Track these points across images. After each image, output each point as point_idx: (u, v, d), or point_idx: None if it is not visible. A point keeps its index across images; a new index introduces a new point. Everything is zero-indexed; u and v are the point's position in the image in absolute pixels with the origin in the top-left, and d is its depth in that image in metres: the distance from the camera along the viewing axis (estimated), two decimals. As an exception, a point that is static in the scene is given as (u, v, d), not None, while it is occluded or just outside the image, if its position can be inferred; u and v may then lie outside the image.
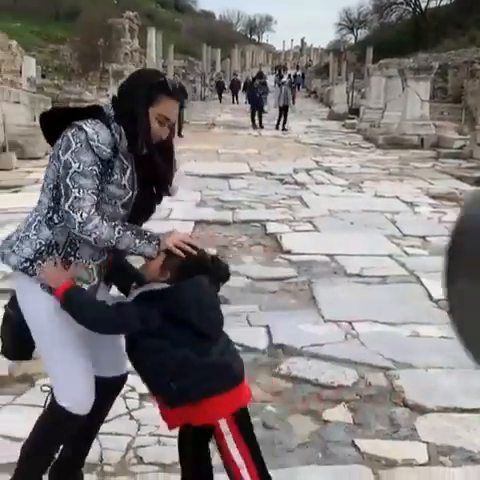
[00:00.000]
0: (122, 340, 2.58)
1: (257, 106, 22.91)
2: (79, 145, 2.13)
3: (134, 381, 3.64)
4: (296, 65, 75.86)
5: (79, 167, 2.11)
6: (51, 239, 2.23)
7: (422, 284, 5.57)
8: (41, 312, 2.25)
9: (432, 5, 52.60)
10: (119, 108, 2.24)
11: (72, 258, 2.25)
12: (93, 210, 2.14)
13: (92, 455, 2.85)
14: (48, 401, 2.43)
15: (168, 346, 2.19)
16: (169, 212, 8.20)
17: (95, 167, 2.14)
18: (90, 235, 2.14)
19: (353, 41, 65.74)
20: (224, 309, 5.13)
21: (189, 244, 2.28)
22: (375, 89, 21.92)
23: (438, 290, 5.34)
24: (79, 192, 2.12)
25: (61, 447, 2.63)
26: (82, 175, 2.12)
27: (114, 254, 2.32)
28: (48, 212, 2.23)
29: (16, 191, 10.34)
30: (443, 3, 52.54)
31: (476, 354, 0.69)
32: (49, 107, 17.59)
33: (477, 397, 3.53)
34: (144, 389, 3.60)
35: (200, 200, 9.35)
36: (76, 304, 2.20)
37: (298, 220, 8.12)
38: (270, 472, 2.90)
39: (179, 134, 18.06)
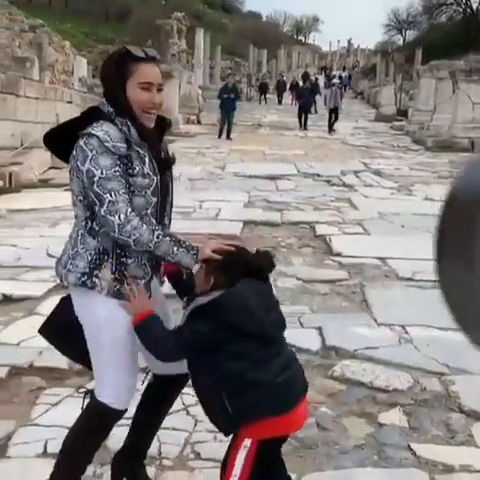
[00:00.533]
0: None
1: (304, 107, 22.84)
2: (94, 152, 2.14)
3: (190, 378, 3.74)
4: (343, 66, 75.34)
5: (102, 173, 2.14)
6: (99, 247, 2.26)
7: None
8: (97, 313, 2.30)
9: (484, 5, 51.53)
10: (111, 101, 2.24)
11: (124, 259, 2.27)
12: (130, 209, 2.17)
13: (151, 449, 2.92)
14: (85, 403, 2.50)
15: (224, 360, 2.16)
16: (217, 212, 8.28)
17: (116, 168, 2.16)
18: (130, 237, 2.16)
19: (401, 42, 64.89)
20: (276, 309, 5.16)
21: (226, 245, 2.28)
22: (424, 91, 21.64)
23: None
24: (111, 196, 2.14)
25: (124, 439, 2.71)
26: (107, 179, 2.14)
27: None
28: (87, 223, 2.26)
29: (68, 189, 10.56)
30: (495, 3, 51.38)
31: (470, 335, 0.67)
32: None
33: None
34: (199, 386, 3.69)
35: (248, 201, 9.40)
36: (152, 334, 2.25)
37: (347, 222, 8.09)
38: (325, 473, 2.93)
39: (228, 137, 18.14)
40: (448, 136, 16.96)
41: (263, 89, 36.99)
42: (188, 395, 3.57)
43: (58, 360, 3.93)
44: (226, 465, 2.33)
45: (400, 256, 6.41)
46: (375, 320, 4.68)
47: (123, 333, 2.32)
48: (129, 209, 2.16)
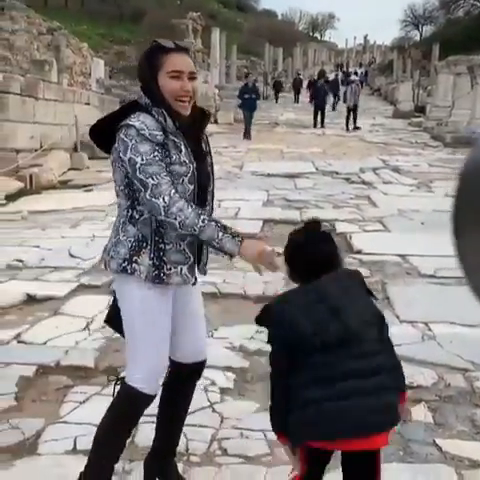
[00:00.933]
0: (204, 328, 2.71)
1: (320, 106, 22.75)
2: (134, 141, 2.23)
3: (214, 375, 3.79)
4: (359, 63, 75.00)
5: (143, 159, 2.22)
6: (138, 234, 2.35)
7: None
8: (133, 298, 2.38)
9: (502, -1, 51.09)
10: (147, 93, 2.34)
11: (162, 245, 2.34)
12: (173, 190, 2.23)
13: (178, 446, 2.96)
14: (116, 391, 2.55)
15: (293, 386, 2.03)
16: (237, 211, 8.31)
17: (155, 153, 2.24)
18: (175, 218, 2.21)
19: (418, 38, 64.49)
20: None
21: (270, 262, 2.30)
22: (442, 87, 21.50)
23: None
24: (154, 179, 2.22)
25: (153, 437, 2.75)
26: (148, 165, 2.22)
27: None
28: (128, 211, 2.36)
29: (88, 190, 10.66)
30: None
31: None
32: (117, 108, 18.03)
33: None
34: (224, 383, 3.73)
35: (267, 199, 9.42)
36: None
37: (367, 220, 8.08)
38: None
39: (248, 136, 18.12)
40: (467, 132, 16.83)
41: (277, 88, 36.84)
42: (214, 392, 3.63)
43: (84, 359, 4.02)
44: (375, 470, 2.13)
45: (421, 253, 6.39)
46: (398, 317, 4.68)
47: (156, 319, 2.40)
48: (173, 190, 2.23)
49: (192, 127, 2.40)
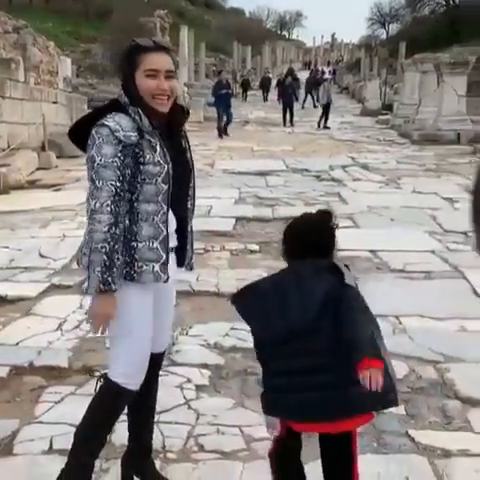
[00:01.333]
0: (171, 321, 2.74)
1: (288, 104, 22.75)
2: (101, 139, 2.25)
3: (189, 372, 3.81)
4: (327, 61, 75.50)
5: (101, 160, 2.24)
6: None
7: (466, 279, 5.58)
8: (121, 296, 2.36)
9: (466, -3, 51.83)
10: (126, 91, 2.35)
11: (133, 243, 2.34)
12: (109, 202, 2.23)
13: (155, 443, 2.96)
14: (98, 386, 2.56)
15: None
16: (209, 209, 8.32)
17: (116, 159, 2.25)
18: (93, 224, 2.24)
19: (385, 36, 65.18)
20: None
21: None
22: (409, 84, 21.78)
23: (483, 285, 5.37)
24: (99, 183, 2.24)
25: (128, 437, 2.75)
26: (103, 167, 2.24)
27: None
28: None
29: (57, 190, 10.56)
30: (477, -5, 51.66)
31: None
32: (85, 106, 17.90)
33: None
34: (200, 380, 3.75)
35: (239, 197, 9.44)
36: None
37: (337, 216, 8.10)
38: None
39: (225, 133, 18.09)
40: (434, 129, 17.07)
41: (245, 86, 36.60)
42: (189, 390, 3.65)
43: (58, 359, 4.00)
44: (350, 453, 2.29)
45: (391, 248, 6.49)
46: (369, 312, 4.74)
47: (137, 315, 2.41)
48: (109, 201, 2.23)
49: (170, 125, 2.41)
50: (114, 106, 2.35)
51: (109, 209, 2.23)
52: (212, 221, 7.60)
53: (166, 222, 2.38)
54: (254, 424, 3.29)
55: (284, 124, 22.19)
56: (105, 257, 2.23)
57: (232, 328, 4.48)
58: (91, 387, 3.58)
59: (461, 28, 42.99)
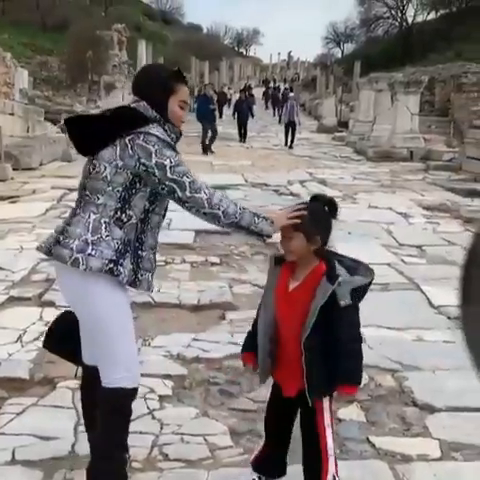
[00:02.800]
0: None
1: (242, 120, 22.05)
2: (156, 146, 2.35)
3: (152, 383, 3.81)
4: (284, 78, 76.45)
5: (171, 161, 2.35)
6: (124, 237, 2.40)
7: (422, 291, 5.73)
8: (108, 298, 2.40)
9: (419, 19, 53.49)
10: (157, 108, 2.47)
11: (140, 252, 2.44)
12: (206, 184, 2.40)
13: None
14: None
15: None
16: (169, 222, 8.32)
17: (178, 156, 2.40)
18: (219, 208, 2.38)
19: (340, 55, 66.45)
20: (233, 315, 5.26)
21: (296, 210, 2.45)
22: (364, 102, 22.23)
23: (438, 297, 5.54)
24: (188, 177, 2.36)
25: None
26: (177, 166, 2.36)
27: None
28: (115, 213, 2.39)
29: (13, 201, 10.40)
30: (430, 17, 53.40)
31: None
32: (42, 118, 17.71)
33: (484, 397, 3.69)
34: (163, 391, 3.76)
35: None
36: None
37: (296, 230, 8.26)
38: (290, 466, 3.04)
39: (209, 150, 17.90)
40: (388, 146, 17.48)
41: (220, 100, 36.47)
42: (152, 400, 3.65)
43: (19, 371, 3.94)
44: (316, 425, 2.51)
45: (349, 261, 6.60)
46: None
47: (128, 317, 2.50)
48: (206, 184, 2.40)
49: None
50: (138, 118, 2.42)
51: (212, 190, 2.40)
52: (172, 234, 7.60)
53: (158, 234, 2.55)
54: (218, 433, 3.32)
55: (240, 140, 22.04)
56: (247, 209, 2.44)
57: (194, 339, 4.50)
58: (53, 398, 3.59)
59: (413, 48, 44.19)
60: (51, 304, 5.08)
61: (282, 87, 55.65)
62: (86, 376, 2.72)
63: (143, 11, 65.88)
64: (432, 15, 53.56)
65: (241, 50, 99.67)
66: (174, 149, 2.41)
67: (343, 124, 27.53)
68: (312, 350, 2.41)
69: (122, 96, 21.05)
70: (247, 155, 17.77)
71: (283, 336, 2.51)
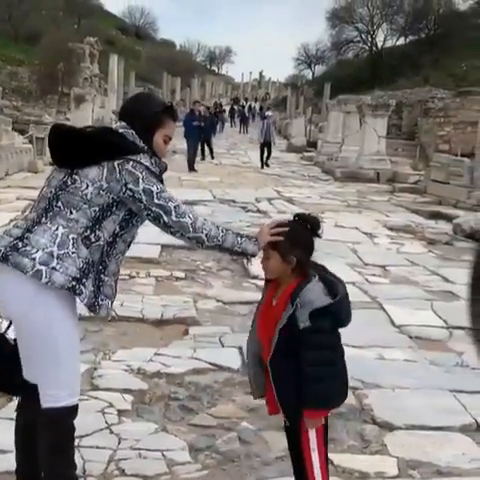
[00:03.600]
0: None
1: (205, 137, 20.61)
2: (144, 173, 2.39)
3: (112, 397, 3.76)
4: (255, 97, 77.09)
5: (157, 188, 2.39)
6: (89, 258, 2.35)
7: (384, 310, 5.79)
8: (64, 317, 2.36)
9: (388, 44, 54.52)
10: (143, 138, 2.50)
11: (102, 276, 2.40)
12: (191, 211, 2.45)
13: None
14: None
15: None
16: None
17: (163, 184, 2.46)
18: (202, 231, 2.41)
19: (310, 76, 67.26)
20: (197, 330, 5.24)
21: (278, 226, 2.46)
22: (333, 124, 22.54)
23: (399, 316, 5.61)
24: (173, 201, 2.41)
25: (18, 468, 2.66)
26: (163, 191, 2.39)
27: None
28: (85, 231, 2.35)
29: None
30: (399, 42, 54.48)
31: None
32: (9, 128, 17.50)
33: (442, 416, 3.73)
34: (122, 405, 3.71)
35: (165, 225, 9.43)
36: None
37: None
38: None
39: (193, 168, 17.80)
40: (355, 167, 17.72)
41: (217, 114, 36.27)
42: (111, 415, 3.60)
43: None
44: (299, 447, 2.46)
45: (314, 279, 6.64)
46: (292, 339, 4.84)
47: (75, 335, 2.47)
48: (189, 209, 2.45)
49: None
50: (129, 145, 2.45)
51: (195, 214, 2.45)
52: (138, 248, 7.50)
53: (121, 263, 2.53)
54: (176, 448, 3.29)
55: (201, 158, 20.36)
56: (229, 231, 2.48)
57: (156, 353, 4.46)
58: (9, 411, 3.50)
59: (382, 72, 45.01)
60: None
61: (255, 106, 56.26)
62: (27, 394, 2.57)
63: (116, 25, 65.88)
64: (401, 41, 54.66)
65: (213, 68, 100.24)
66: (161, 181, 2.46)
67: (312, 144, 27.83)
68: (278, 370, 2.40)
69: (92, 109, 20.90)
70: (216, 172, 17.82)
71: (263, 353, 2.50)
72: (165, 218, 2.37)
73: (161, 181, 2.46)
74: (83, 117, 19.20)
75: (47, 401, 2.43)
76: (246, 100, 68.26)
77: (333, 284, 2.39)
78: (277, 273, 2.46)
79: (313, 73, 68.42)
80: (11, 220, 9.08)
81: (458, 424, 3.65)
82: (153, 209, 2.37)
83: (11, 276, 2.31)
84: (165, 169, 2.58)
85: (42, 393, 2.44)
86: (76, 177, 2.38)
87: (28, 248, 2.30)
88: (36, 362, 2.43)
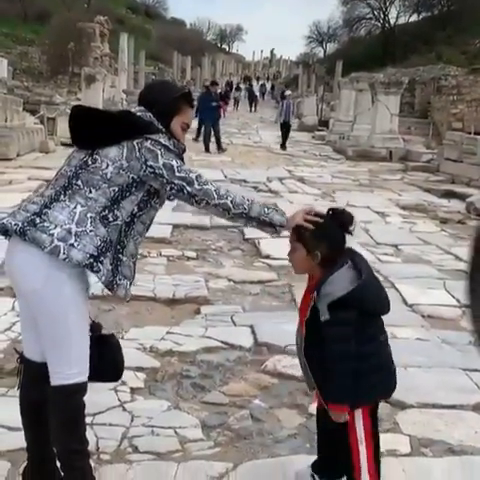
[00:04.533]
0: None
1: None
2: (163, 149, 2.41)
3: (124, 375, 3.74)
4: (266, 76, 76.52)
5: (177, 162, 2.42)
6: (107, 237, 2.35)
7: (397, 289, 5.76)
8: (69, 297, 2.35)
9: (401, 21, 53.81)
10: (162, 121, 2.52)
11: (120, 255, 2.41)
12: (208, 181, 2.46)
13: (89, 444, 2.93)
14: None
15: (358, 343, 2.30)
16: (146, 215, 8.29)
17: (182, 161, 2.48)
18: (227, 198, 2.43)
19: (322, 54, 66.62)
20: (208, 309, 5.26)
21: (314, 215, 2.40)
22: (345, 102, 22.33)
23: (412, 295, 5.58)
24: (194, 172, 2.43)
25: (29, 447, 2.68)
26: (183, 165, 2.42)
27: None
28: (103, 210, 2.35)
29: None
30: (412, 19, 53.75)
31: None
32: (20, 108, 17.51)
33: (454, 394, 3.72)
34: (135, 383, 3.73)
35: (176, 204, 9.38)
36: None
37: (274, 226, 8.27)
38: (261, 461, 3.04)
39: (221, 148, 17.64)
40: (367, 146, 17.58)
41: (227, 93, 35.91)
42: (124, 392, 3.62)
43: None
44: (347, 436, 2.43)
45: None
46: (304, 318, 4.84)
47: (83, 312, 2.45)
48: (209, 181, 2.46)
49: None
50: (149, 125, 2.47)
51: (217, 184, 2.46)
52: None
53: (140, 244, 2.53)
54: (189, 426, 3.31)
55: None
56: (255, 200, 2.49)
57: (168, 332, 4.48)
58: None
59: (395, 49, 44.47)
60: None
61: (266, 84, 55.95)
62: (31, 373, 2.60)
63: (126, 4, 65.47)
64: (414, 17, 53.98)
65: (224, 46, 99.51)
66: (180, 158, 2.47)
67: (324, 123, 27.63)
68: (312, 360, 2.42)
69: (103, 89, 20.84)
70: (227, 151, 17.74)
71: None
72: (189, 188, 2.39)
73: (180, 157, 2.48)
74: (94, 97, 19.15)
75: (57, 379, 2.43)
76: (258, 79, 67.76)
77: (361, 271, 2.32)
78: (302, 268, 2.44)
79: (325, 51, 67.83)
80: (23, 200, 9.12)
81: (471, 402, 3.65)
82: (176, 182, 2.39)
83: (27, 250, 2.31)
84: (184, 151, 2.59)
85: (52, 370, 2.44)
86: (96, 157, 2.39)
87: (46, 224, 2.29)
88: (46, 339, 2.43)
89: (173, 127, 2.55)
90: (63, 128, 17.30)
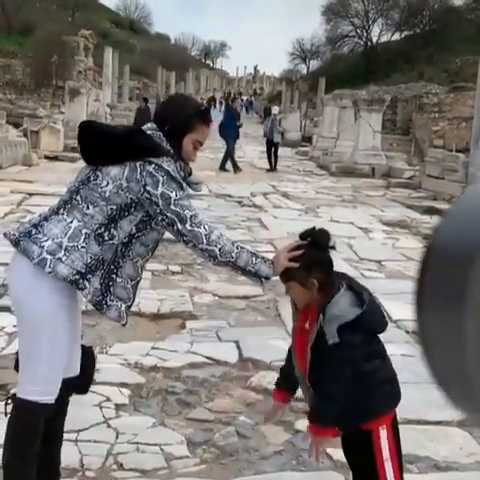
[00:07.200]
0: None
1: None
2: (165, 177, 2.35)
3: (109, 391, 3.75)
4: (250, 93, 77.03)
5: (176, 195, 2.34)
6: (99, 255, 2.34)
7: (381, 305, 5.78)
8: (46, 309, 2.33)
9: (383, 39, 54.45)
10: (171, 141, 2.46)
11: (114, 276, 2.38)
12: (206, 220, 2.42)
13: (73, 461, 2.91)
14: (8, 409, 2.48)
15: (361, 361, 2.30)
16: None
17: (183, 191, 2.40)
18: (216, 245, 2.34)
19: (305, 71, 67.09)
20: (193, 324, 5.24)
21: (294, 249, 2.37)
22: (328, 118, 22.50)
23: (396, 311, 5.60)
24: (190, 210, 2.36)
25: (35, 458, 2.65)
26: (182, 199, 2.35)
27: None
28: (99, 228, 2.35)
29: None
30: (394, 38, 54.42)
31: (449, 395, 0.56)
32: (3, 121, 17.40)
33: (439, 410, 3.73)
34: (120, 399, 3.70)
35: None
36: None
37: (258, 241, 8.30)
38: (247, 478, 3.03)
39: (237, 168, 17.08)
40: (350, 162, 17.71)
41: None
42: (108, 409, 3.59)
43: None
44: (372, 456, 2.35)
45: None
46: (288, 333, 4.83)
47: (62, 329, 2.38)
48: (206, 220, 2.36)
49: None
50: (153, 148, 2.41)
51: (212, 227, 2.40)
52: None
53: (143, 268, 2.48)
54: (174, 443, 3.28)
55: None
56: (245, 249, 2.42)
57: (153, 347, 4.45)
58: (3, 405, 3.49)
59: (377, 67, 44.99)
60: (7, 309, 4.96)
61: (244, 98, 56.73)
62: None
63: (111, 18, 65.61)
64: (396, 36, 54.56)
65: (208, 62, 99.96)
66: (182, 187, 2.41)
67: (307, 139, 27.81)
68: (317, 386, 2.37)
69: (87, 102, 20.80)
70: (211, 165, 17.77)
71: (304, 378, 2.46)
72: (179, 225, 2.33)
73: (182, 186, 2.40)
74: (78, 110, 19.13)
75: (20, 391, 2.43)
76: (241, 94, 68.20)
77: (359, 293, 2.31)
78: (304, 301, 2.39)
79: (308, 68, 68.25)
80: (5, 214, 9.04)
81: (456, 419, 3.66)
82: (168, 214, 2.33)
83: (18, 260, 2.36)
84: (190, 174, 2.54)
85: (19, 381, 2.45)
86: (99, 173, 2.40)
87: (40, 236, 2.33)
88: (20, 348, 2.44)
89: (185, 144, 2.50)
90: (46, 141, 17.27)
